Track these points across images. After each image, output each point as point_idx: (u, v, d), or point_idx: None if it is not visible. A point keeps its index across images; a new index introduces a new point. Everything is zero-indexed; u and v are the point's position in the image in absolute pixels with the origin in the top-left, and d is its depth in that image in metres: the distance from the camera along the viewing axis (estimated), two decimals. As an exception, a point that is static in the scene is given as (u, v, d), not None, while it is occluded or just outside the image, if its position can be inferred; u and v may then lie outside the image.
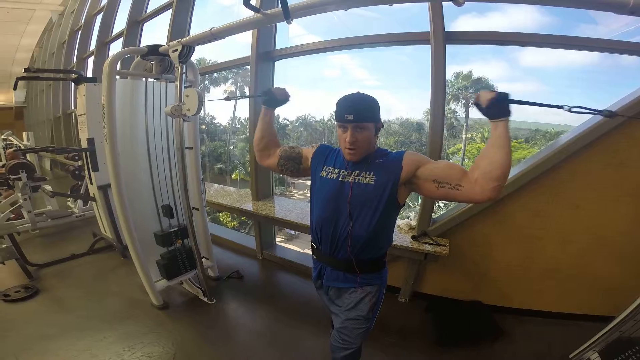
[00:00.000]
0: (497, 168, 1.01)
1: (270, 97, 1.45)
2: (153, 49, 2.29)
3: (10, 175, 3.97)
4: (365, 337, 1.34)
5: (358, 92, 1.20)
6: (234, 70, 20.18)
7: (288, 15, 1.33)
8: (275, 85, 2.95)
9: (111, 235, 3.52)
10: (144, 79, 2.55)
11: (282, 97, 1.47)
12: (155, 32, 5.09)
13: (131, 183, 2.45)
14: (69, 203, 5.09)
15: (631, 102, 1.80)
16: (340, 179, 1.25)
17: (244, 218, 13.62)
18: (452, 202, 2.56)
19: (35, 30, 12.02)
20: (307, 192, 22.38)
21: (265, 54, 2.93)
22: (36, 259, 3.10)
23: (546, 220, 2.14)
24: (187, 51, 2.12)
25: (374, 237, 1.22)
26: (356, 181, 1.21)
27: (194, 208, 2.79)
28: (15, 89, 4.18)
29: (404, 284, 2.47)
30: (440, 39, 2.05)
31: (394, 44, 2.43)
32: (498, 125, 1.02)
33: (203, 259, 2.89)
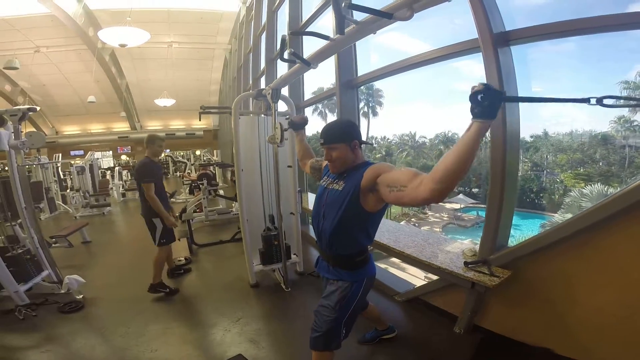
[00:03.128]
0: (442, 170, 0.96)
1: (292, 125, 2.01)
2: (259, 93, 3.12)
3: (198, 182, 5.99)
4: (332, 326, 1.48)
5: (336, 120, 1.55)
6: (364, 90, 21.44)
7: (308, 63, 1.75)
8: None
9: (246, 230, 4.71)
10: (257, 115, 3.46)
11: (300, 122, 2.00)
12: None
13: (250, 191, 3.35)
14: (233, 204, 6.93)
15: None
16: (325, 186, 1.57)
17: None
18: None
19: (218, 66, 15.72)
20: (445, 216, 20.65)
21: (347, 83, 3.35)
22: (199, 240, 4.54)
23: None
24: (275, 93, 2.82)
25: (337, 233, 1.45)
26: (331, 188, 1.50)
27: (291, 213, 3.49)
28: (200, 119, 6.23)
29: (462, 313, 2.24)
30: (489, 43, 1.88)
31: (445, 59, 2.34)
32: (472, 125, 0.92)
33: (293, 256, 3.52)
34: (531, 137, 20.77)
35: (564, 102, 0.95)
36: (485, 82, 0.98)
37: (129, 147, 20.63)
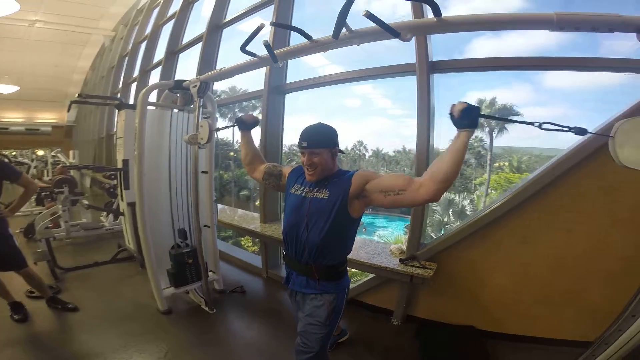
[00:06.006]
0: (442, 172, 1.14)
1: (240, 123, 1.79)
2: (178, 84, 2.68)
3: (55, 189, 4.53)
4: (324, 343, 1.43)
5: (318, 123, 1.45)
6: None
7: (275, 59, 1.63)
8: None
9: (133, 247, 3.83)
10: (170, 109, 2.94)
11: (251, 121, 1.80)
12: (190, 61, 5.44)
13: (153, 200, 2.77)
14: (102, 217, 5.57)
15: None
16: (303, 195, 1.46)
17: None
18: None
19: (90, 53, 12.94)
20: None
21: (276, 88, 3.28)
22: (64, 263, 3.46)
23: (536, 245, 2.14)
24: (204, 87, 2.48)
25: (326, 244, 1.39)
26: (314, 196, 1.42)
27: (205, 225, 3.06)
28: (68, 111, 4.88)
29: (396, 306, 2.51)
30: (425, 69, 2.23)
31: (383, 77, 2.66)
32: (460, 135, 1.12)
33: (210, 273, 3.10)
34: (394, 152, 25.37)
35: (514, 122, 1.42)
36: (463, 101, 1.15)
37: None
